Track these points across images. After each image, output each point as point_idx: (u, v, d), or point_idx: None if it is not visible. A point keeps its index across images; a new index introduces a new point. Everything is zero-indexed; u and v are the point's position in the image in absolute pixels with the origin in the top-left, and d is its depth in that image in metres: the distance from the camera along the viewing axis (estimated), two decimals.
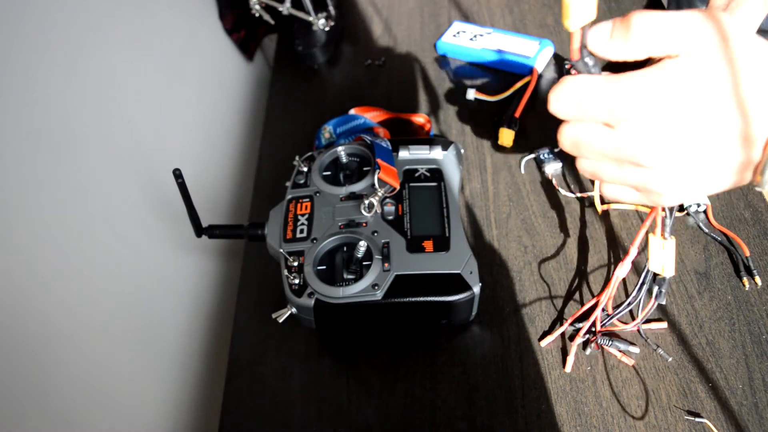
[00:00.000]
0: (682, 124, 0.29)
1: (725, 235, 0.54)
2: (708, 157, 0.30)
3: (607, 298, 0.49)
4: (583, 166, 0.35)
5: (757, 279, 0.51)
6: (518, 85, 0.71)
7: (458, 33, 0.79)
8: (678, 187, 0.32)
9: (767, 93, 0.28)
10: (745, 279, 0.51)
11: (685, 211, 0.56)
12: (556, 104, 0.32)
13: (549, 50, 0.74)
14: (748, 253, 0.52)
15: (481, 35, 0.78)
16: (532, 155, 0.64)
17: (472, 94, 0.73)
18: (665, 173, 0.31)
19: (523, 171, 0.64)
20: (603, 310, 0.50)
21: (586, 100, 0.31)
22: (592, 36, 0.32)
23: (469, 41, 0.78)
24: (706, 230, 0.55)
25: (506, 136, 0.66)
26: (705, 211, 0.55)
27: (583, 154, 0.34)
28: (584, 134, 0.33)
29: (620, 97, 0.30)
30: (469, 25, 0.81)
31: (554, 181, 0.62)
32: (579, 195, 0.60)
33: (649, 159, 0.31)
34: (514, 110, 0.69)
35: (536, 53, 0.72)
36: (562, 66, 0.72)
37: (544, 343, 0.51)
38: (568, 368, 0.49)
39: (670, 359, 0.48)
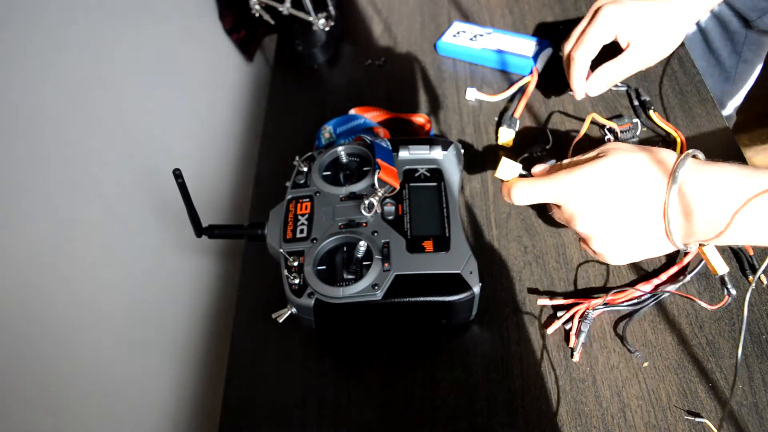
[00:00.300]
0: (594, 210, 0.43)
1: None
2: (624, 234, 0.43)
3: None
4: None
5: (763, 278, 0.51)
6: (518, 84, 0.71)
7: (458, 33, 0.79)
8: (615, 252, 0.45)
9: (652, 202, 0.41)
10: (751, 277, 0.51)
11: None
12: (517, 196, 0.48)
13: (548, 50, 0.74)
14: (752, 252, 0.52)
15: (481, 35, 0.78)
16: (525, 154, 0.65)
17: (472, 94, 0.73)
18: (600, 241, 0.45)
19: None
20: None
21: (534, 195, 0.47)
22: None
23: (469, 41, 0.78)
24: None
25: (505, 136, 0.66)
26: None
27: (555, 218, 0.50)
28: (550, 205, 0.49)
29: (552, 191, 0.46)
30: (469, 25, 0.81)
31: None
32: None
33: (582, 229, 0.45)
34: (513, 110, 0.69)
35: (536, 53, 0.72)
36: (560, 66, 0.71)
37: (550, 330, 0.51)
38: (551, 330, 0.51)
39: (646, 364, 0.49)
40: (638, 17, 0.56)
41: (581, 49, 0.57)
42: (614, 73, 0.59)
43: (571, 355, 0.50)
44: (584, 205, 0.43)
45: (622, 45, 0.58)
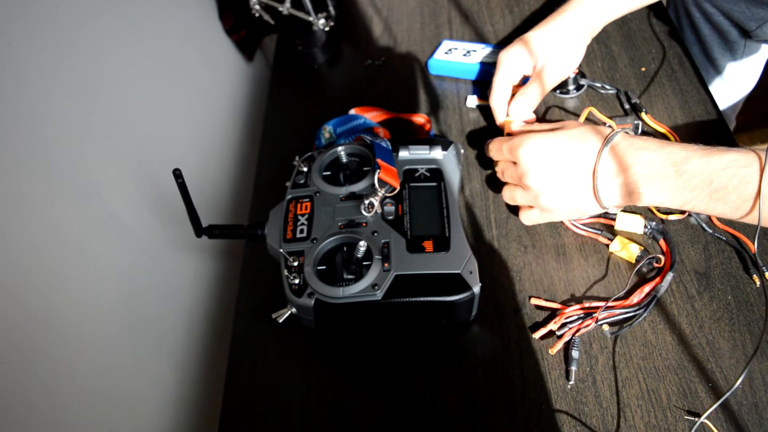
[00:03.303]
0: (545, 168, 0.52)
1: (729, 233, 0.54)
2: (565, 191, 0.52)
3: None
4: (504, 194, 0.58)
5: (767, 274, 0.51)
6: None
7: (450, 50, 0.78)
8: (556, 206, 0.53)
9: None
10: (755, 276, 0.51)
11: (687, 213, 0.56)
12: (492, 151, 0.59)
13: None
14: (754, 250, 0.52)
15: (474, 51, 0.77)
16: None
17: (473, 102, 0.72)
18: (546, 196, 0.53)
19: None
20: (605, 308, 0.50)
21: (500, 149, 0.57)
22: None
23: (462, 57, 0.76)
24: (710, 230, 0.55)
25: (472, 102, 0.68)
26: None
27: (506, 179, 0.57)
28: (505, 167, 0.57)
29: (512, 148, 0.54)
30: (460, 42, 0.79)
31: None
32: None
33: (532, 181, 0.53)
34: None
35: None
36: None
37: (537, 335, 0.51)
38: (538, 335, 0.52)
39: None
40: (533, 48, 0.63)
41: (494, 96, 0.65)
42: (527, 99, 0.64)
43: (566, 377, 0.49)
44: (537, 164, 0.52)
45: (530, 73, 0.66)
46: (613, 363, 0.49)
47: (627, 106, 0.66)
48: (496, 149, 0.58)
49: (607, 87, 0.68)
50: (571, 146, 0.51)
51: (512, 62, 0.64)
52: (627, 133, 0.51)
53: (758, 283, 0.51)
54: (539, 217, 0.56)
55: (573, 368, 0.49)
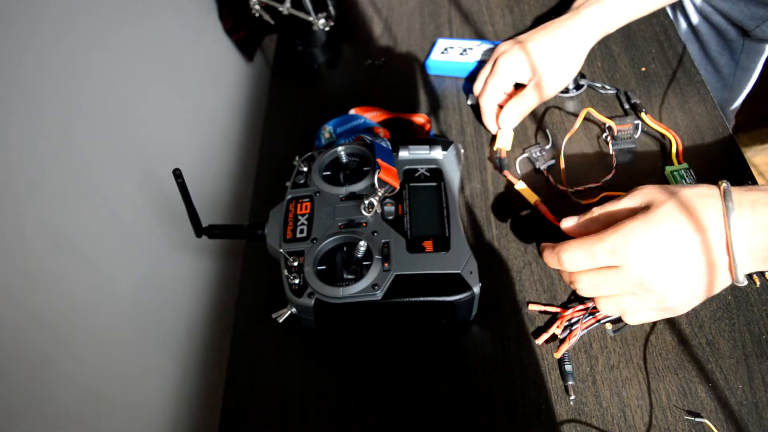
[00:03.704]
0: (665, 265, 0.41)
1: None
2: (693, 280, 0.42)
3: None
4: (606, 306, 0.46)
5: None
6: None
7: (446, 50, 0.78)
8: (687, 301, 0.43)
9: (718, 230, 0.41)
10: (755, 276, 0.51)
11: None
12: (570, 263, 0.45)
13: None
14: None
15: (471, 48, 0.77)
16: (525, 154, 0.65)
17: (472, 100, 0.73)
18: (674, 294, 0.42)
19: (519, 171, 0.64)
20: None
21: (588, 255, 0.44)
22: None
23: (459, 56, 0.76)
24: None
25: (504, 139, 0.66)
26: None
27: (603, 293, 0.45)
28: (600, 278, 0.44)
29: (614, 250, 0.42)
30: (455, 40, 0.79)
31: (551, 178, 0.62)
32: (575, 189, 0.60)
33: (655, 283, 0.42)
34: None
35: None
36: None
37: (540, 340, 0.51)
38: (540, 341, 0.51)
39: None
40: (532, 58, 0.62)
41: (485, 96, 0.65)
42: (520, 108, 0.64)
43: (566, 392, 0.49)
44: (658, 260, 0.41)
45: (525, 82, 0.65)
46: (613, 363, 0.49)
47: (627, 107, 0.66)
48: (576, 258, 0.45)
49: (607, 87, 0.68)
50: (687, 223, 0.41)
51: (510, 68, 0.64)
52: (723, 186, 0.42)
53: (758, 283, 0.51)
54: (656, 317, 0.46)
55: (570, 383, 0.49)
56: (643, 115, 0.64)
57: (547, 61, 0.63)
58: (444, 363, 0.53)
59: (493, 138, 0.68)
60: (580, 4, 0.66)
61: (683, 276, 0.42)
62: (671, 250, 0.41)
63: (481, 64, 0.74)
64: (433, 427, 0.50)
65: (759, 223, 0.40)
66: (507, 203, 0.62)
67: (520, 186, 0.62)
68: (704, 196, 0.42)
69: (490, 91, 0.65)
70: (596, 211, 0.47)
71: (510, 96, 0.67)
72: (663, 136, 0.62)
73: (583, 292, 0.46)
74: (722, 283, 0.42)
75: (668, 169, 0.58)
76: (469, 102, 0.73)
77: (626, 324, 0.50)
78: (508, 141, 0.66)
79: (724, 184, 0.42)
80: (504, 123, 0.65)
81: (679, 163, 0.59)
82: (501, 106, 0.66)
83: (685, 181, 0.57)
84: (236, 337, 0.60)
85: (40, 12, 0.53)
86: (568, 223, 0.49)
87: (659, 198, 0.43)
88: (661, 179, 0.59)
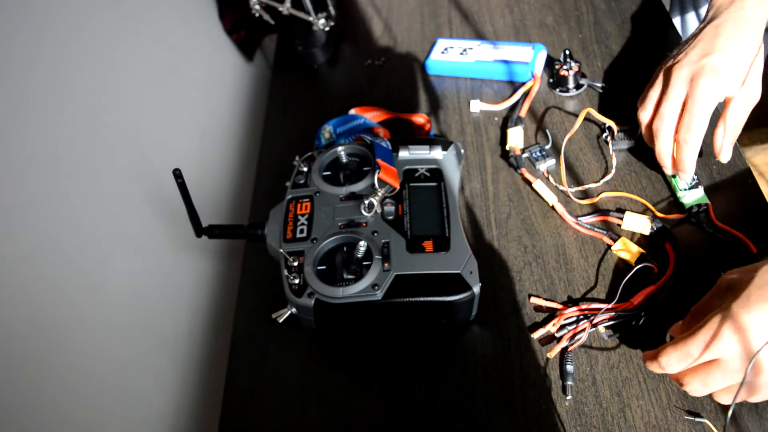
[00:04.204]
0: (758, 335, 0.38)
1: (729, 233, 0.54)
2: None
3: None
4: (723, 400, 0.42)
5: None
6: (521, 91, 0.70)
7: (446, 50, 0.78)
8: None
9: None
10: None
11: (686, 213, 0.56)
12: (670, 366, 0.42)
13: (543, 54, 0.73)
14: (755, 250, 0.52)
15: (471, 48, 0.76)
16: (525, 154, 0.64)
17: (476, 106, 0.72)
18: None
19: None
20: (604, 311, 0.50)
21: (690, 353, 0.40)
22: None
23: (459, 56, 0.76)
24: (710, 230, 0.54)
25: (516, 136, 0.65)
26: (706, 211, 0.55)
27: (715, 389, 0.41)
28: (706, 375, 0.41)
29: (709, 339, 0.39)
30: (455, 40, 0.79)
31: (550, 178, 0.62)
32: (574, 189, 0.60)
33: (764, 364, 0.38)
34: (519, 110, 0.68)
35: (533, 58, 0.72)
36: (553, 69, 0.71)
37: (536, 335, 0.51)
38: (537, 335, 0.51)
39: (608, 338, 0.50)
40: (733, 72, 0.51)
41: (665, 122, 0.52)
42: (733, 129, 0.54)
43: (563, 391, 0.49)
44: (750, 347, 0.38)
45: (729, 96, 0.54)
46: (613, 363, 0.49)
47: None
48: (674, 360, 0.42)
49: (606, 86, 0.68)
50: None
51: (714, 96, 0.51)
52: None
53: None
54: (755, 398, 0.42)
55: (569, 383, 0.48)
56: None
57: (744, 71, 0.52)
58: (444, 363, 0.53)
59: (504, 137, 0.67)
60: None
61: None
62: (764, 328, 0.38)
63: (483, 65, 0.74)
64: (433, 427, 0.50)
65: None
66: (507, 203, 0.62)
67: (538, 185, 0.60)
68: None
69: (669, 115, 0.52)
70: (693, 310, 0.45)
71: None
72: None
73: (695, 393, 0.43)
74: None
75: None
76: (471, 109, 0.72)
77: (623, 330, 0.50)
78: (520, 140, 0.66)
79: None
80: (725, 155, 0.54)
81: None
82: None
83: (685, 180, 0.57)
84: (236, 337, 0.60)
85: (40, 12, 0.53)
86: (673, 331, 0.47)
87: (740, 280, 0.41)
88: (662, 180, 0.59)
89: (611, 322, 0.51)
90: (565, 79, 0.68)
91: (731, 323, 0.39)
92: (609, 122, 0.62)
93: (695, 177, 0.57)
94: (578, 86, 0.69)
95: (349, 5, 0.94)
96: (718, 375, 0.40)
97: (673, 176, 0.57)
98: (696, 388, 0.42)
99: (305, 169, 0.59)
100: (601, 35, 0.72)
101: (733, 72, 0.51)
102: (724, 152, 0.54)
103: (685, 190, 0.56)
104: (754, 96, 0.55)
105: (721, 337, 0.39)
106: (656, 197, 0.58)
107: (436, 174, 0.58)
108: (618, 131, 0.62)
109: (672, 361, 0.42)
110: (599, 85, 0.69)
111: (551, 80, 0.71)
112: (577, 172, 0.62)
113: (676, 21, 0.86)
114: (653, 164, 0.60)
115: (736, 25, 0.53)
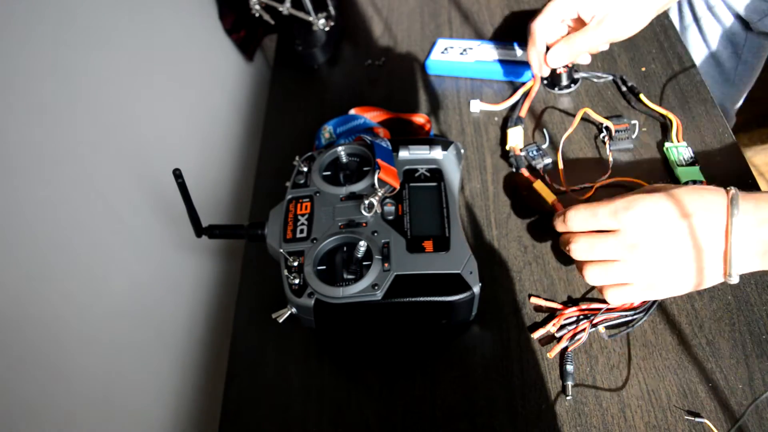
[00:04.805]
0: (661, 236, 0.43)
1: None
2: (683, 256, 0.43)
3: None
4: (592, 274, 0.47)
5: None
6: (521, 91, 0.70)
7: (446, 50, 0.78)
8: (669, 279, 0.44)
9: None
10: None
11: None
12: (574, 221, 0.47)
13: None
14: None
15: (471, 48, 0.76)
16: (523, 153, 0.64)
17: (476, 106, 0.72)
18: (661, 270, 0.44)
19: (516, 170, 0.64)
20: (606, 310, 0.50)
21: (591, 216, 0.46)
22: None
23: (459, 56, 0.76)
24: None
25: (516, 136, 0.65)
26: None
27: (595, 256, 0.46)
28: (597, 240, 0.46)
29: (616, 212, 0.44)
30: (455, 40, 0.79)
31: (547, 177, 0.62)
32: (572, 188, 0.60)
33: (646, 252, 0.43)
34: (519, 110, 0.68)
35: None
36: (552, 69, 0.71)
37: (536, 335, 0.51)
38: (537, 335, 0.51)
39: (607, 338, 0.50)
40: None
41: (539, 20, 0.57)
42: (576, 45, 0.57)
43: (563, 392, 0.49)
44: (655, 231, 0.43)
45: (586, 20, 0.58)
46: (613, 363, 0.49)
47: (624, 89, 0.67)
48: (581, 216, 0.47)
49: (602, 75, 0.69)
50: (693, 205, 0.42)
51: None
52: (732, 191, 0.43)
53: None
54: (638, 296, 0.47)
55: (569, 383, 0.49)
56: (642, 96, 0.65)
57: (617, 1, 0.56)
58: (444, 363, 0.53)
59: (504, 137, 0.67)
60: None
61: (677, 253, 0.43)
62: (670, 224, 0.42)
63: (483, 65, 0.74)
64: (433, 427, 0.50)
65: (760, 217, 0.41)
66: (507, 203, 0.62)
67: (539, 185, 0.61)
68: (712, 190, 0.43)
69: (547, 15, 0.57)
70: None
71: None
72: (664, 117, 0.63)
73: (575, 253, 0.47)
74: (713, 273, 0.43)
75: (667, 144, 0.59)
76: (471, 109, 0.72)
77: (623, 330, 0.50)
78: (519, 140, 0.66)
79: (733, 190, 0.43)
80: (553, 61, 0.59)
81: (678, 142, 0.60)
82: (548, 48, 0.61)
83: (683, 157, 0.58)
84: (236, 337, 0.60)
85: (39, 13, 0.53)
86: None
87: (670, 186, 0.45)
88: (661, 179, 0.59)
89: (611, 322, 0.51)
90: (558, 76, 0.69)
91: (646, 203, 0.43)
92: (606, 122, 0.62)
93: (692, 155, 0.58)
94: (574, 81, 0.69)
95: (349, 5, 0.94)
96: (608, 243, 0.45)
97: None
98: (581, 248, 0.47)
99: (305, 169, 0.59)
100: None
101: None
102: (548, 59, 0.60)
103: (682, 167, 0.58)
104: (604, 35, 0.58)
105: (632, 210, 0.43)
106: None
107: (436, 174, 0.58)
108: (617, 131, 0.62)
109: (578, 217, 0.47)
110: (594, 74, 0.69)
111: (544, 81, 0.71)
112: (574, 171, 0.62)
113: (673, 16, 0.86)
114: (652, 164, 0.60)
115: None
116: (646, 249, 0.43)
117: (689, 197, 0.43)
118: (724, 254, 0.42)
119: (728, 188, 0.43)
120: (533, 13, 0.81)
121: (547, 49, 0.62)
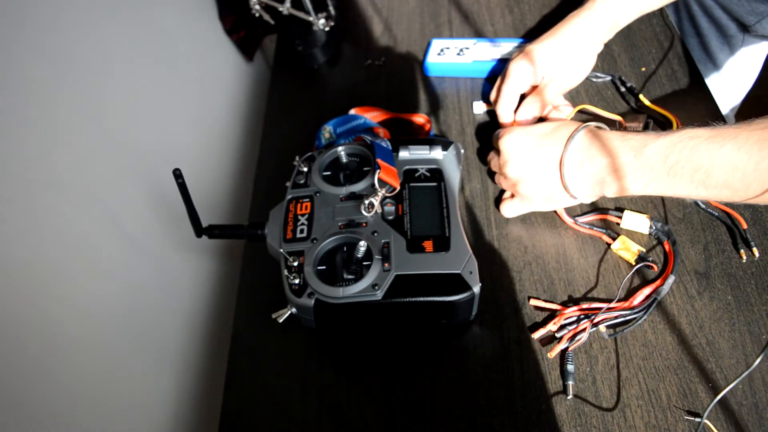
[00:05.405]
0: (521, 158, 0.55)
1: (722, 210, 0.55)
2: (541, 182, 0.55)
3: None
4: (497, 180, 0.61)
5: (755, 250, 0.52)
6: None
7: (442, 50, 0.78)
8: (534, 195, 0.56)
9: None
10: (743, 251, 0.52)
11: None
12: (501, 143, 0.57)
13: None
14: (746, 226, 0.53)
15: (467, 48, 0.77)
16: None
17: (479, 108, 0.72)
18: (524, 185, 0.56)
19: None
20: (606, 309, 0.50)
21: (493, 139, 0.60)
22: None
23: (456, 56, 0.76)
24: (704, 206, 0.56)
25: (478, 108, 0.68)
26: None
27: (493, 168, 0.61)
28: (492, 156, 0.60)
29: (495, 138, 0.59)
30: (449, 40, 0.80)
31: None
32: None
33: (510, 172, 0.56)
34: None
35: None
36: None
37: (536, 335, 0.51)
38: (537, 335, 0.52)
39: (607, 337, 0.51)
40: (543, 60, 0.63)
41: (501, 104, 0.66)
42: (532, 107, 0.65)
43: (564, 391, 0.49)
44: (515, 154, 0.55)
45: (538, 83, 0.65)
46: (613, 363, 0.49)
47: (623, 90, 0.67)
48: (495, 138, 0.60)
49: (601, 75, 0.69)
50: (543, 139, 0.54)
51: (520, 74, 0.64)
52: (598, 127, 0.52)
53: (757, 254, 0.52)
54: (519, 208, 0.59)
55: (570, 383, 0.49)
56: (641, 96, 0.65)
57: (558, 62, 0.63)
58: (444, 363, 0.53)
59: None
60: None
61: (532, 173, 0.54)
62: (527, 150, 0.55)
63: (481, 64, 0.74)
64: (433, 427, 0.50)
65: (588, 155, 0.50)
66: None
67: None
68: (569, 125, 0.53)
69: (504, 99, 0.65)
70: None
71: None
72: (664, 117, 0.63)
73: (489, 164, 0.62)
74: (564, 196, 0.54)
75: None
76: (475, 111, 0.72)
77: (623, 329, 0.50)
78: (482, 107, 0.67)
79: (588, 124, 0.52)
80: (522, 120, 0.65)
81: None
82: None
83: None
84: (236, 337, 0.60)
85: (39, 13, 0.53)
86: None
87: (558, 122, 0.56)
88: None
89: (611, 322, 0.51)
90: None
91: (510, 133, 0.56)
92: (618, 118, 0.62)
93: None
94: None
95: (349, 5, 0.94)
96: (496, 158, 0.59)
97: None
98: (497, 181, 0.61)
99: (305, 169, 0.59)
100: None
101: (537, 64, 0.64)
102: (517, 120, 0.67)
103: None
104: (555, 92, 0.65)
105: (501, 136, 0.57)
106: (655, 197, 0.58)
107: (436, 174, 0.58)
108: (628, 128, 0.62)
109: (497, 137, 0.58)
110: (593, 75, 0.69)
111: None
112: None
113: (672, 18, 0.86)
114: None
115: (566, 28, 0.64)
116: (511, 168, 0.56)
117: (545, 129, 0.54)
118: (561, 179, 0.52)
119: (587, 124, 0.52)
120: (533, 13, 0.82)
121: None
